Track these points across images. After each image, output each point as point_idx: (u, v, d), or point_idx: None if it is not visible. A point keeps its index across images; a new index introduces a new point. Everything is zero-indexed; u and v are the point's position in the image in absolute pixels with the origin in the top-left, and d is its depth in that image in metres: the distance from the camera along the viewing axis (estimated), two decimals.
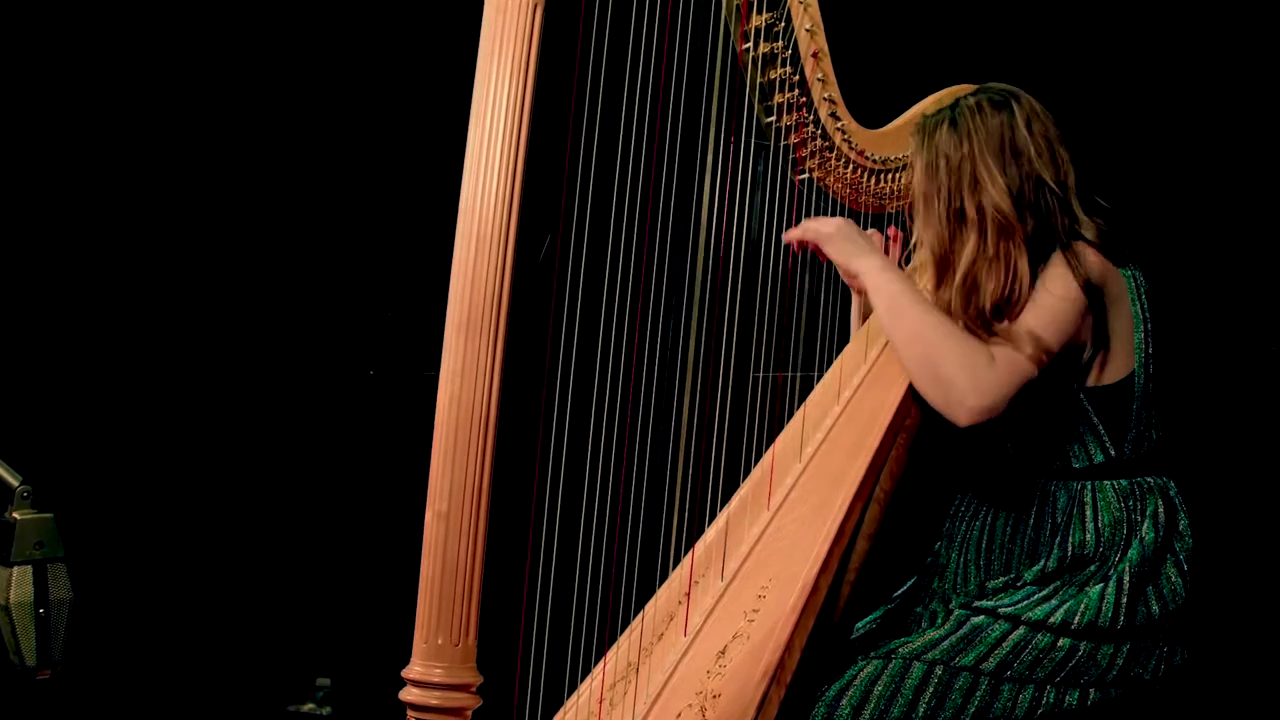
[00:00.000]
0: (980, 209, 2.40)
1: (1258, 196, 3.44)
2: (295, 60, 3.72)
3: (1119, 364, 2.41)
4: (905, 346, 2.38)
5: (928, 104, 2.64)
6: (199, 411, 3.72)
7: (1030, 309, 2.35)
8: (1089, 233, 2.40)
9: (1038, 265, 2.39)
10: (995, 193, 2.39)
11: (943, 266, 2.44)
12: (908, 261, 2.78)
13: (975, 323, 2.36)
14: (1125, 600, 2.31)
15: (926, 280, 2.56)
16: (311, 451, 3.74)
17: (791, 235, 2.54)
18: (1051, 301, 2.35)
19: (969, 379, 2.30)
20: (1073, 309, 2.35)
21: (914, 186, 2.51)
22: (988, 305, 2.36)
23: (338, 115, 3.74)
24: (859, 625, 2.48)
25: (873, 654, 2.33)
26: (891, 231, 2.69)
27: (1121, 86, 3.47)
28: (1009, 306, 2.37)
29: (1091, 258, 2.38)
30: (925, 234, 2.47)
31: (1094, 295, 2.36)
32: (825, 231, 2.51)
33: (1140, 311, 2.41)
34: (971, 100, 2.46)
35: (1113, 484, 2.41)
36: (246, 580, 3.69)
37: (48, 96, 3.53)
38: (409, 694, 1.95)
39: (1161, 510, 2.39)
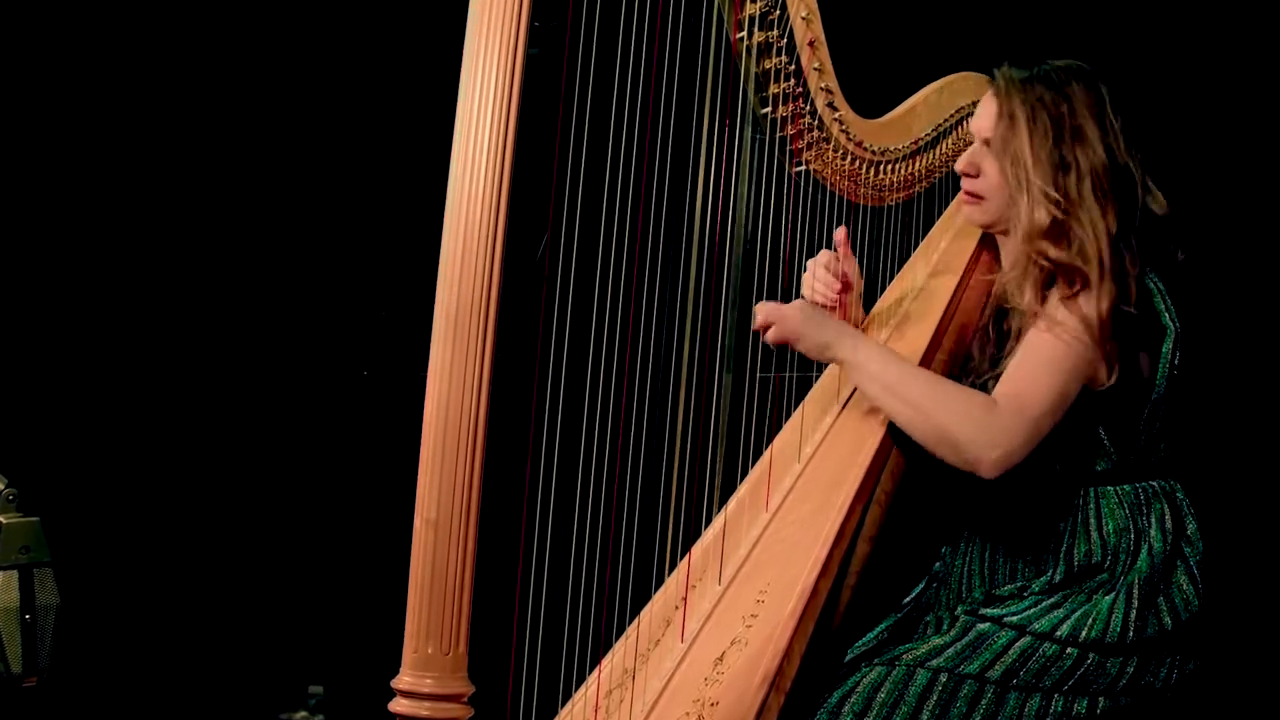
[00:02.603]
0: (1077, 162, 2.33)
1: (1266, 194, 3.42)
2: (283, 58, 3.71)
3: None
4: (906, 420, 2.32)
5: (929, 92, 2.64)
6: (190, 413, 3.71)
7: (1059, 330, 2.29)
8: (1157, 206, 2.36)
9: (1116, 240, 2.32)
10: (1098, 150, 2.34)
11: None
12: (899, 264, 2.74)
13: (1039, 267, 2.31)
14: (1135, 613, 2.27)
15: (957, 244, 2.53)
16: (306, 454, 3.72)
17: (766, 335, 2.41)
18: (1078, 327, 2.28)
19: (981, 436, 2.25)
20: (1096, 335, 2.28)
21: (992, 136, 2.41)
22: (1063, 261, 2.30)
23: (329, 112, 3.73)
24: (868, 636, 2.45)
25: (876, 660, 2.29)
26: (840, 234, 2.58)
27: (1121, 81, 3.43)
28: (1071, 275, 2.30)
29: (1129, 263, 2.32)
30: (1020, 181, 2.36)
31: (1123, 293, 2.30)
32: (790, 330, 2.38)
33: (1171, 321, 2.35)
34: (1060, 63, 2.40)
35: (1115, 490, 2.36)
36: (238, 585, 3.68)
37: (37, 98, 3.52)
38: (398, 705, 1.90)
39: (1169, 515, 2.34)
